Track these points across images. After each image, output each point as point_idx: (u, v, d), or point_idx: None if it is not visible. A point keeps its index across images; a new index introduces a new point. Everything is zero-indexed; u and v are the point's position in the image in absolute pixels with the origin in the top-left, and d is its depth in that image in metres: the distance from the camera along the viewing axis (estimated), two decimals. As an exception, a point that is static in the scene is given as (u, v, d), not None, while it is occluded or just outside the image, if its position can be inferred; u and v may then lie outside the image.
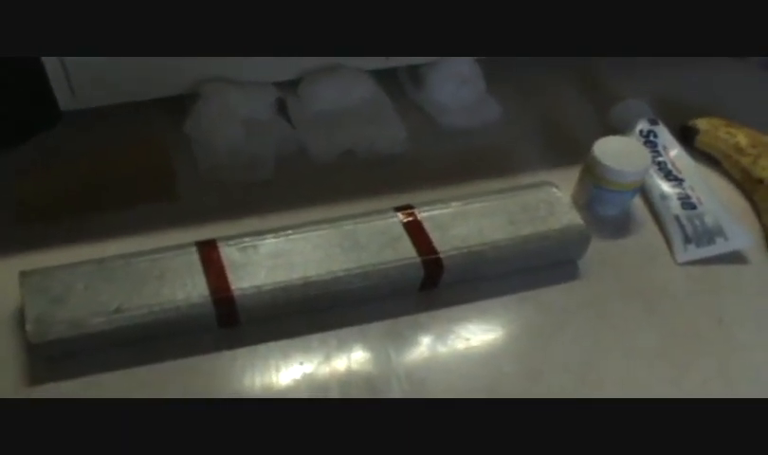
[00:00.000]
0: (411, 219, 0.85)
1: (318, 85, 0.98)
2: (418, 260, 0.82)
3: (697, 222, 0.93)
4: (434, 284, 0.84)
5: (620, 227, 0.94)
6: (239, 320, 0.79)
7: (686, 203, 0.95)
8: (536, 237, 0.86)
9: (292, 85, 0.99)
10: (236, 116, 0.95)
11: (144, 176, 0.92)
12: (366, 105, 1.00)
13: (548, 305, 0.85)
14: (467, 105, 1.04)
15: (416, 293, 0.84)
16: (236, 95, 0.95)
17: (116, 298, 0.76)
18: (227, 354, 0.78)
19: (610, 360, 0.81)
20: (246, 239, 0.82)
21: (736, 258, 0.92)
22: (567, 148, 1.01)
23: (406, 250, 0.83)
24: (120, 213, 0.88)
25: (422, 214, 0.86)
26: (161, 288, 0.77)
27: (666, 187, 0.97)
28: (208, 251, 0.81)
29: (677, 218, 0.94)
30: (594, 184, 0.93)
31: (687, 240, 0.92)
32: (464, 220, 0.86)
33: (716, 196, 0.96)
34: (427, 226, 0.85)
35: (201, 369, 0.77)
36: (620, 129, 1.03)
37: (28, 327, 0.73)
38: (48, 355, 0.75)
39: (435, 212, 0.87)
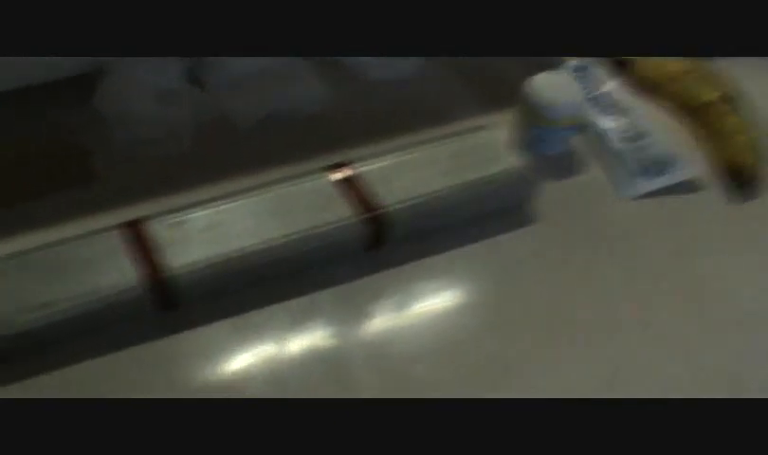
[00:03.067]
0: (345, 176, 0.80)
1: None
2: (357, 218, 0.77)
3: (642, 154, 0.90)
4: (381, 244, 0.79)
5: (566, 167, 0.91)
6: (177, 303, 0.73)
7: (629, 136, 0.92)
8: (480, 182, 0.82)
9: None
10: (147, 87, 0.88)
11: (56, 161, 0.84)
12: (280, 65, 0.93)
13: (503, 255, 0.81)
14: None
15: (363, 255, 0.79)
16: (144, 66, 0.88)
17: (40, 292, 0.69)
18: (168, 341, 0.72)
19: (576, 307, 0.77)
20: (173, 215, 0.76)
21: (685, 188, 0.89)
22: (497, 91, 0.96)
23: (343, 210, 0.78)
24: (35, 203, 0.80)
25: (357, 170, 0.81)
26: (87, 277, 0.71)
27: (606, 122, 0.94)
28: (132, 232, 0.74)
29: (621, 153, 0.91)
30: (532, 124, 0.89)
31: (634, 174, 0.89)
32: (401, 172, 0.81)
33: (658, 126, 0.93)
34: (363, 182, 0.80)
35: (143, 359, 0.71)
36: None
37: None
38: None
39: (370, 167, 0.81)
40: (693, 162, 0.90)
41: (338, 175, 0.80)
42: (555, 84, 0.87)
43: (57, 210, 0.79)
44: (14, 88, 0.86)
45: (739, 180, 0.90)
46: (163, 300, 0.72)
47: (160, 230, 0.75)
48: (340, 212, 0.77)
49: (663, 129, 0.93)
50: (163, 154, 0.86)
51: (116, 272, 0.71)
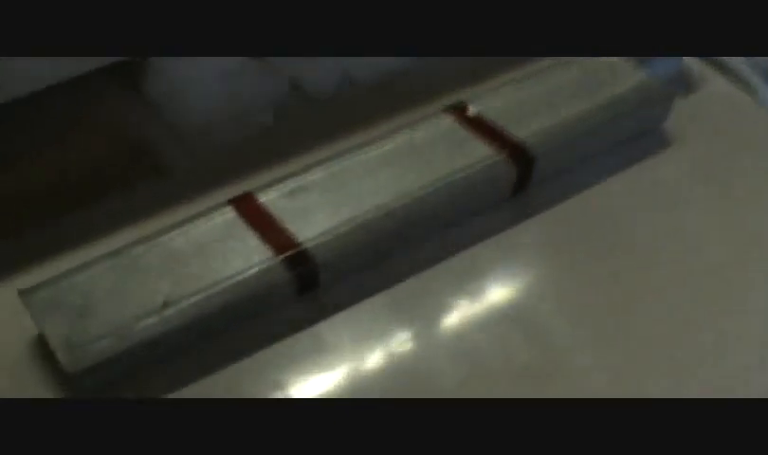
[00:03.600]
0: (470, 115, 0.68)
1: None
2: (500, 157, 0.65)
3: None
4: (524, 185, 0.67)
5: (688, 82, 0.80)
6: (318, 281, 0.60)
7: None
8: (618, 100, 0.71)
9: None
10: (204, 65, 0.75)
11: (116, 159, 0.71)
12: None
13: (650, 183, 0.70)
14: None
15: (507, 201, 0.67)
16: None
17: (156, 290, 0.55)
18: (318, 328, 0.58)
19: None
20: (286, 182, 0.63)
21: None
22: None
23: (482, 150, 0.66)
24: (107, 204, 0.66)
25: (479, 108, 0.69)
26: (209, 264, 0.57)
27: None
28: (247, 207, 0.61)
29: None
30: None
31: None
32: (527, 105, 0.70)
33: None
34: (489, 120, 0.68)
35: (290, 353, 0.57)
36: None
37: (61, 356, 0.52)
38: (94, 385, 0.53)
39: (493, 104, 0.70)
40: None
41: (458, 116, 0.68)
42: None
43: (135, 211, 0.65)
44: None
45: None
46: (305, 278, 0.59)
47: (278, 201, 0.62)
48: (479, 153, 0.65)
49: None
50: (239, 136, 0.73)
51: (242, 253, 0.58)
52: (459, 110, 0.68)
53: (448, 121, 0.68)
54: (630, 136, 0.72)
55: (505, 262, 0.64)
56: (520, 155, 0.66)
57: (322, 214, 0.61)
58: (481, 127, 0.67)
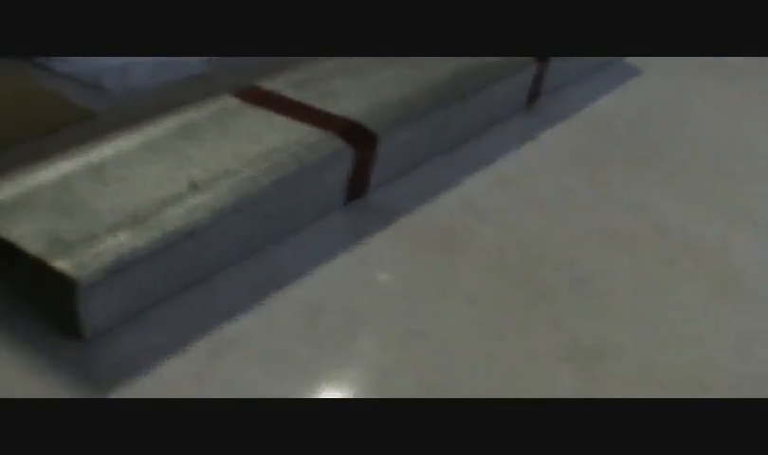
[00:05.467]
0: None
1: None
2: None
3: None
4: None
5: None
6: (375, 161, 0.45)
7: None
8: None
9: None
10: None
11: (32, 109, 0.52)
12: None
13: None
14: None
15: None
16: None
17: (177, 172, 0.39)
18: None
19: None
20: (293, 73, 0.49)
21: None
22: None
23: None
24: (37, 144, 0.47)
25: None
26: (238, 146, 0.41)
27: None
28: (256, 96, 0.46)
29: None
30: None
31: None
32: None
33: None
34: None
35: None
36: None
37: (59, 263, 0.33)
38: (106, 316, 0.34)
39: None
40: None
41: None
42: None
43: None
44: None
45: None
46: (366, 156, 0.44)
47: (291, 89, 0.47)
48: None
49: None
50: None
51: (276, 132, 0.43)
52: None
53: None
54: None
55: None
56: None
57: (353, 93, 0.47)
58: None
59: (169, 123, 0.43)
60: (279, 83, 0.48)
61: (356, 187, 0.45)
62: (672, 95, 0.65)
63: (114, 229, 0.34)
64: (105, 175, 0.38)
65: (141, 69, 0.56)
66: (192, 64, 0.58)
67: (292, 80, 0.48)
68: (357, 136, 0.44)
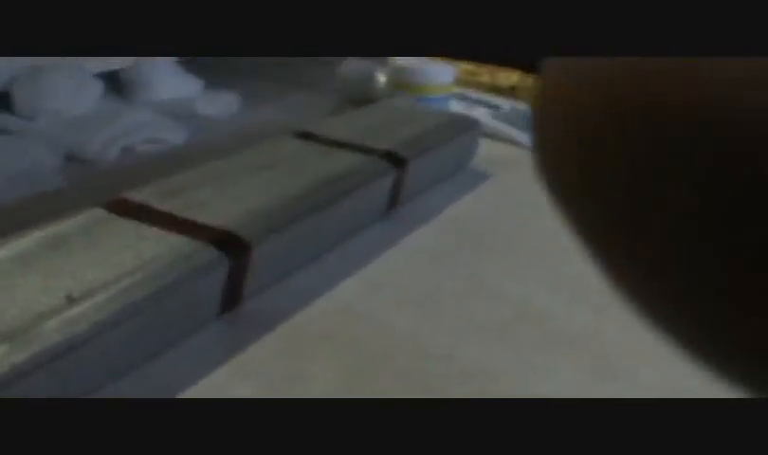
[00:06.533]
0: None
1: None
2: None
3: (515, 115, 0.83)
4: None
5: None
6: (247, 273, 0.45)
7: (491, 106, 0.85)
8: (435, 129, 0.67)
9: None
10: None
11: None
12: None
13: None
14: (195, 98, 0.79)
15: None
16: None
17: (52, 287, 0.37)
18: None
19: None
20: (159, 183, 0.49)
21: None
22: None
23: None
24: None
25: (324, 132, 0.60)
26: (111, 258, 0.40)
27: (458, 106, 0.85)
28: (124, 207, 0.45)
29: (497, 118, 0.83)
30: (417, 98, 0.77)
31: (525, 129, 0.81)
32: (370, 129, 0.63)
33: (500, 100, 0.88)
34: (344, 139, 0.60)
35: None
36: (350, 86, 0.89)
37: None
38: None
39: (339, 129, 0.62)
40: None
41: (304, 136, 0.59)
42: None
43: None
44: None
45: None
46: (239, 268, 0.44)
47: (155, 199, 0.47)
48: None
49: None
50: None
51: (145, 243, 0.42)
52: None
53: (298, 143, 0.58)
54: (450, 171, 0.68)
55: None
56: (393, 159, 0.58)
57: (220, 201, 0.47)
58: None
59: (37, 235, 0.41)
60: (145, 194, 0.47)
61: (231, 296, 0.44)
62: (521, 192, 0.68)
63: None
64: (-28, 289, 0.36)
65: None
66: (48, 179, 0.56)
67: (158, 190, 0.48)
68: (231, 245, 0.44)
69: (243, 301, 0.45)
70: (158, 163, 0.65)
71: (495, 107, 0.85)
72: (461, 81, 0.92)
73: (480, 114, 0.82)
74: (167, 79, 0.78)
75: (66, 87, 0.66)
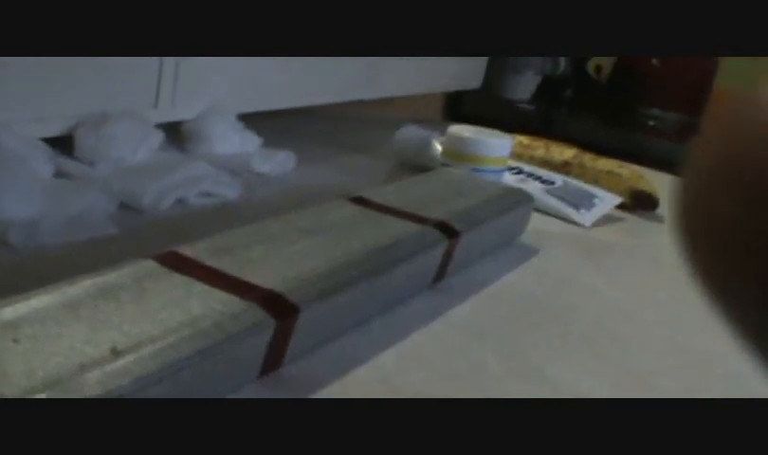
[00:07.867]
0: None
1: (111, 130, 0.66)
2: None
3: (567, 191, 0.83)
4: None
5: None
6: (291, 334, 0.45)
7: (544, 181, 0.85)
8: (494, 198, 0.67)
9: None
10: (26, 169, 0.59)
11: None
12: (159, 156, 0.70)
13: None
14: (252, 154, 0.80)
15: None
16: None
17: (98, 338, 0.37)
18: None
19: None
20: (211, 239, 0.49)
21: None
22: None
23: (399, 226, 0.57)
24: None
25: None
26: (158, 312, 0.40)
27: (512, 179, 0.85)
28: (174, 260, 0.45)
29: (550, 193, 0.82)
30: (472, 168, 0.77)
31: (576, 206, 0.81)
32: (425, 198, 0.63)
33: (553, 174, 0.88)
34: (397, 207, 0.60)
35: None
36: (405, 153, 0.90)
37: None
38: None
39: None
40: (608, 194, 0.86)
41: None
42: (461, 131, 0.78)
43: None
44: None
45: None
46: (285, 328, 0.44)
47: (210, 256, 0.47)
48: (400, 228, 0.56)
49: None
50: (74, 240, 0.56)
51: (195, 300, 0.42)
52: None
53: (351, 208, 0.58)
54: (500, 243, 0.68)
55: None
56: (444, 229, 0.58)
57: (272, 263, 0.47)
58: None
59: (86, 283, 0.41)
60: (196, 249, 0.47)
61: (272, 359, 0.44)
62: (569, 269, 0.68)
63: (28, 394, 0.32)
64: (18, 334, 0.36)
65: (50, 226, 0.54)
66: (101, 225, 0.56)
67: (209, 246, 0.48)
68: (278, 307, 0.43)
69: (283, 365, 0.45)
70: (211, 217, 0.66)
71: (548, 182, 0.85)
72: (516, 154, 0.92)
73: (532, 188, 0.81)
74: (227, 133, 0.79)
75: (128, 136, 0.67)
